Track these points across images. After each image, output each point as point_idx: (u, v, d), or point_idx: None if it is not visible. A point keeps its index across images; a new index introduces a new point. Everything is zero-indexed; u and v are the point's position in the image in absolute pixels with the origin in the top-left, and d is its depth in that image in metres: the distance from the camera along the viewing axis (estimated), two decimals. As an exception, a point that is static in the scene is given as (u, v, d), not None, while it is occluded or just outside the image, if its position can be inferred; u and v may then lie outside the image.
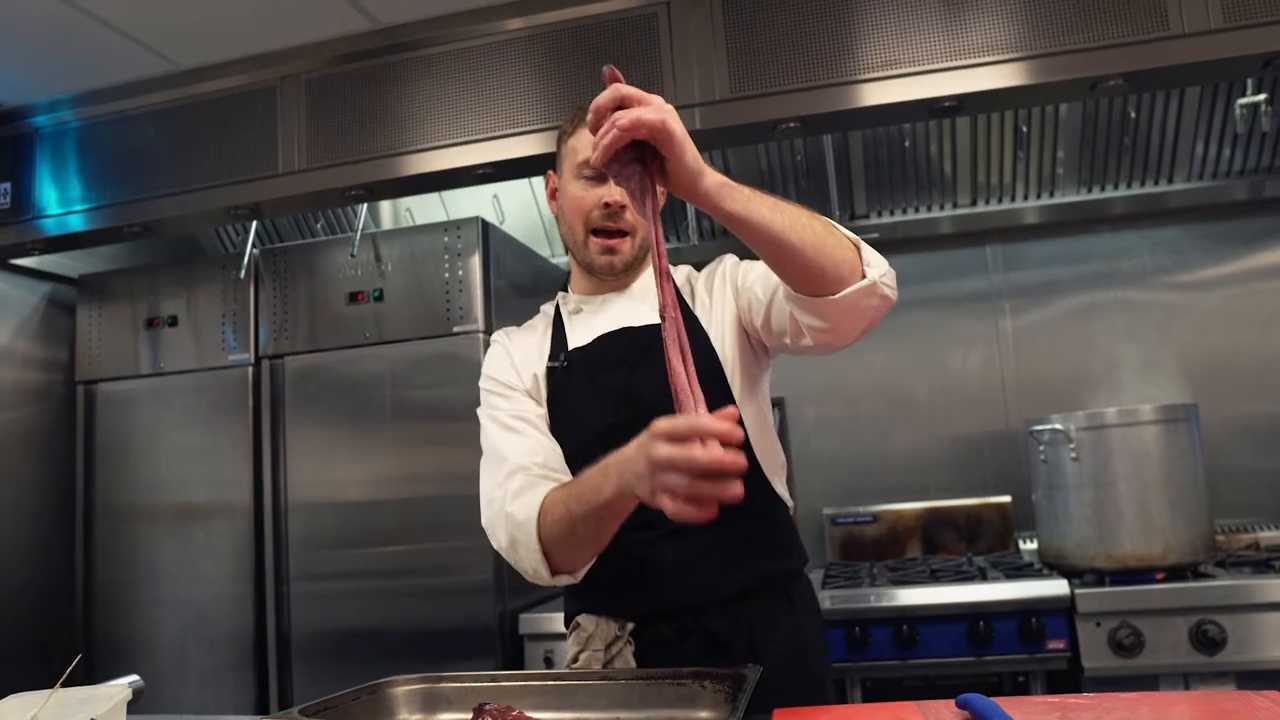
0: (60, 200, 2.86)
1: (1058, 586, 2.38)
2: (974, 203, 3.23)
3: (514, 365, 1.60)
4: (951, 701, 1.17)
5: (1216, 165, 3.01)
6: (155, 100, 2.77)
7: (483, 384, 1.61)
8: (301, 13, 2.49)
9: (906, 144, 3.05)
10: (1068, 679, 2.38)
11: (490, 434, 1.54)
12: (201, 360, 3.01)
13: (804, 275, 1.26)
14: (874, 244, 1.34)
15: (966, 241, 3.33)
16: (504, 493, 1.43)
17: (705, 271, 1.64)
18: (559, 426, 1.53)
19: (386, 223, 3.47)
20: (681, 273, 1.64)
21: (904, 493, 3.25)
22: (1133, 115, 2.88)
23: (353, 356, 2.86)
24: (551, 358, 1.58)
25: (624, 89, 1.12)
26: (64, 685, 1.28)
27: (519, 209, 3.43)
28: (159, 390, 3.04)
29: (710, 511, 1.03)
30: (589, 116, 1.14)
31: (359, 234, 2.87)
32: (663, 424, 1.05)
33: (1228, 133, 2.92)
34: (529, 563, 1.40)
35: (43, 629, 3.00)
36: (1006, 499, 3.13)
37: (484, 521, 1.48)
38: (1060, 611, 2.36)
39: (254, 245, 3.00)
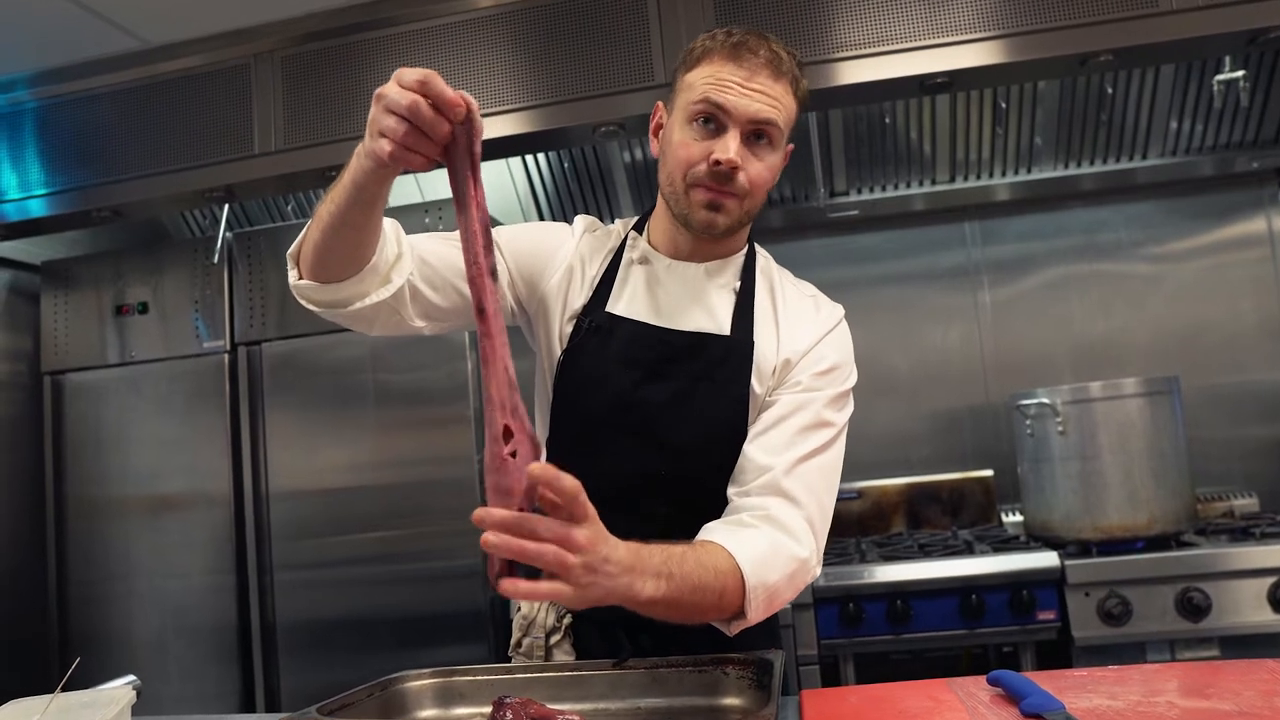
0: (20, 184, 2.75)
1: (1047, 558, 2.42)
2: (952, 179, 3.24)
3: (569, 254, 1.46)
4: (981, 678, 1.18)
5: (1190, 141, 3.05)
6: (122, 78, 2.67)
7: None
8: (275, -13, 2.42)
9: (887, 120, 3.04)
10: (1057, 649, 2.42)
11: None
12: (174, 348, 2.92)
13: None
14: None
15: (945, 217, 3.34)
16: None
17: (802, 299, 1.47)
18: (567, 380, 1.42)
19: (359, 203, 3.38)
20: (762, 270, 1.48)
21: (887, 468, 3.26)
22: (1110, 91, 2.90)
23: (333, 341, 2.80)
24: (586, 309, 1.42)
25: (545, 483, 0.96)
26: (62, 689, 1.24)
27: (495, 188, 3.37)
28: (130, 380, 2.95)
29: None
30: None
31: (336, 216, 2.79)
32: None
33: (1200, 109, 2.95)
34: (291, 277, 1.32)
35: (15, 627, 2.92)
36: (988, 472, 3.17)
37: None
38: (1050, 583, 2.39)
39: (226, 228, 2.92)
